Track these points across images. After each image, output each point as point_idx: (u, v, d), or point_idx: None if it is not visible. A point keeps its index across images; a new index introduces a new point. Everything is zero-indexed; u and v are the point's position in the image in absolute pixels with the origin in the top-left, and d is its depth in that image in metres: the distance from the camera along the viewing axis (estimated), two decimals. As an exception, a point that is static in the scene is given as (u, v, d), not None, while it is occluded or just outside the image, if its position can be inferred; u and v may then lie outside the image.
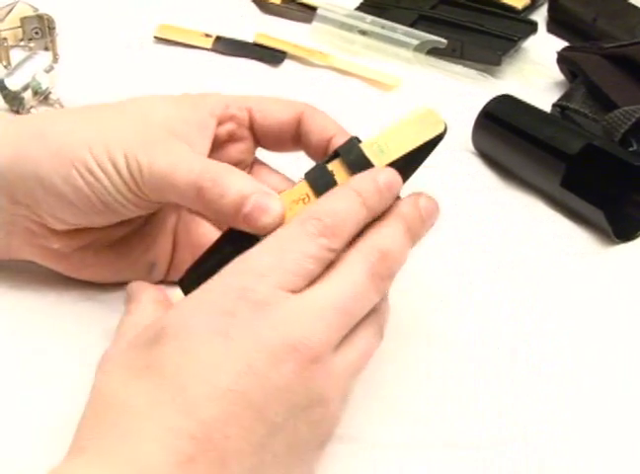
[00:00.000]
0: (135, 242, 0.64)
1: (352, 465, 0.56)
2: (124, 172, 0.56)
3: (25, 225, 0.61)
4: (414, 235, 0.55)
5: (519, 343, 0.65)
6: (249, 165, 0.67)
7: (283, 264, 0.50)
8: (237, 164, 0.64)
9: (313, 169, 0.56)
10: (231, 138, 0.64)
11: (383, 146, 0.56)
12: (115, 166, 0.56)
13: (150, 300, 0.56)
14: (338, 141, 0.60)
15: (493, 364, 0.63)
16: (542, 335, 0.66)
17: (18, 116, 0.62)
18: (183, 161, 0.56)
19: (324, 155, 0.60)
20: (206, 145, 0.62)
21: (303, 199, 0.55)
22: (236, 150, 0.65)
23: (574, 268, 0.73)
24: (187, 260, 0.64)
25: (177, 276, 0.64)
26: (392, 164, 0.56)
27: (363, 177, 0.54)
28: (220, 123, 0.63)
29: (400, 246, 0.53)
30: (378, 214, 0.54)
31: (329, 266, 0.52)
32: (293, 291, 0.50)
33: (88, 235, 0.62)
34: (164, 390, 0.47)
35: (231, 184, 0.55)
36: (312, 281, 0.51)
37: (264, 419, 0.47)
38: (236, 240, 0.55)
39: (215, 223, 0.65)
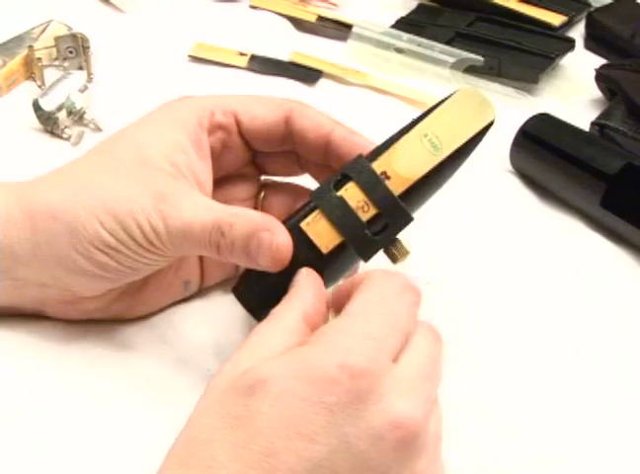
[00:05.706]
0: (165, 269, 0.63)
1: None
2: (140, 238, 0.55)
3: (57, 299, 0.61)
4: None
5: (561, 363, 0.65)
6: (252, 176, 0.66)
7: (382, 327, 0.48)
8: (235, 172, 0.65)
9: (323, 193, 0.56)
10: (225, 147, 0.63)
11: (434, 140, 0.55)
12: (130, 234, 0.55)
13: (284, 329, 0.51)
14: (338, 135, 0.60)
15: (537, 386, 0.63)
16: (584, 355, 0.66)
17: (20, 186, 0.60)
18: (196, 216, 0.55)
19: (325, 151, 0.61)
20: (208, 164, 0.61)
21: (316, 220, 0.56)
22: (232, 158, 0.64)
23: (614, 288, 0.73)
24: (216, 265, 0.66)
25: (210, 282, 0.66)
26: (446, 158, 0.56)
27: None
28: (210, 133, 0.61)
29: None
30: None
31: None
32: (392, 358, 0.48)
33: (121, 286, 0.61)
34: (252, 451, 0.44)
35: (236, 229, 0.54)
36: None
37: None
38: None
39: None
